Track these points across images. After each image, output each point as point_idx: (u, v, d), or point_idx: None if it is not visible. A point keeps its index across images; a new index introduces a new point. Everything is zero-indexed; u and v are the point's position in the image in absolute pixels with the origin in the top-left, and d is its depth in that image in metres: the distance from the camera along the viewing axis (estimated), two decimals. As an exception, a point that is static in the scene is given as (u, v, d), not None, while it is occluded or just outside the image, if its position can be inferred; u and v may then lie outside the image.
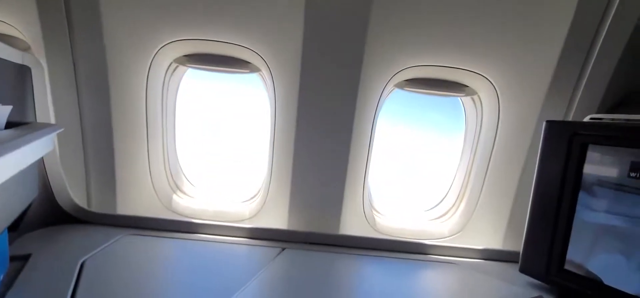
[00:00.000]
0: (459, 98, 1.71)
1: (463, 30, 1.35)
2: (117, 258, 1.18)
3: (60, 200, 1.34)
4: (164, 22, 1.35)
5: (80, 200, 1.44)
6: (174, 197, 1.73)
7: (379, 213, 1.75)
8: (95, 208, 1.52)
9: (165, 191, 1.70)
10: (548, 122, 1.23)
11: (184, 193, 1.79)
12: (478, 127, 1.65)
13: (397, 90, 1.63)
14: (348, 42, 1.31)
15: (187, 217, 1.69)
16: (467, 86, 1.59)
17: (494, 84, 1.50)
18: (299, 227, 1.56)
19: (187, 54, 1.50)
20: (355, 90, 1.39)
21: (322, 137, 1.46)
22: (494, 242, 1.62)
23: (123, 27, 1.33)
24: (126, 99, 1.45)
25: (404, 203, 1.87)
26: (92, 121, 1.43)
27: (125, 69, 1.41)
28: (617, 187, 1.07)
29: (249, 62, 1.52)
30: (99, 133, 1.45)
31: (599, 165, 1.11)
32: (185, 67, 1.58)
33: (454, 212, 1.74)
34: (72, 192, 1.37)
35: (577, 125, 1.16)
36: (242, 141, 2.12)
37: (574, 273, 1.13)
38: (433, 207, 1.83)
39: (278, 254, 1.33)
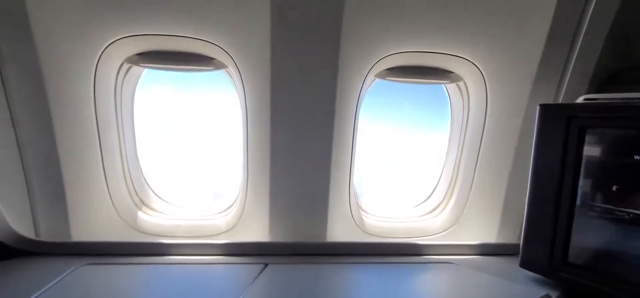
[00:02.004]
0: (443, 86, 1.62)
1: (446, 12, 1.25)
2: (72, 294, 1.02)
3: None
4: (109, 15, 1.17)
5: (25, 230, 1.25)
6: (139, 214, 1.54)
7: (366, 213, 1.65)
8: (44, 237, 1.32)
9: (128, 208, 1.52)
10: (542, 105, 1.16)
11: (151, 208, 1.61)
12: (465, 115, 1.57)
13: (378, 80, 1.52)
14: (322, 29, 1.18)
15: (156, 235, 1.52)
16: (452, 72, 1.50)
17: (481, 69, 1.42)
18: (282, 237, 1.42)
19: (140, 52, 1.32)
20: (333, 83, 1.27)
21: (301, 136, 1.33)
22: (489, 234, 1.55)
23: (56, 22, 1.14)
24: (70, 108, 1.25)
25: (391, 201, 1.78)
26: (30, 137, 1.23)
27: (66, 73, 1.21)
28: (620, 170, 1.00)
29: (213, 58, 1.36)
30: (41, 149, 1.25)
31: (599, 148, 1.04)
32: (140, 68, 1.39)
33: (445, 206, 1.66)
34: (13, 220, 1.19)
35: (574, 108, 1.09)
36: (216, 146, 1.94)
37: (580, 266, 1.06)
38: (422, 203, 1.74)
39: (261, 271, 1.19)
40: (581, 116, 1.06)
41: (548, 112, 1.14)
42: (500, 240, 1.51)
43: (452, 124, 1.66)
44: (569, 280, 1.09)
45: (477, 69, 1.42)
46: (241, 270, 1.22)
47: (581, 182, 1.06)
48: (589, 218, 1.06)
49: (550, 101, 1.37)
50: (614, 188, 1.02)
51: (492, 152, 1.49)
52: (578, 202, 1.07)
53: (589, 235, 1.06)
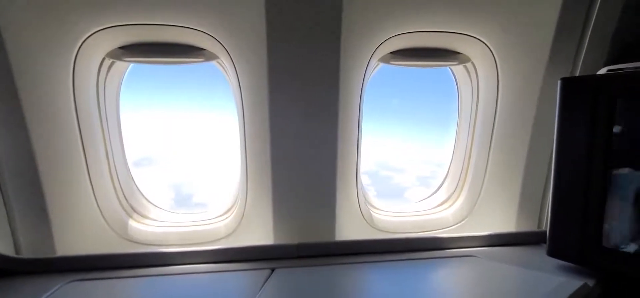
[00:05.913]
0: (449, 68, 1.54)
1: None
2: None
3: None
4: (85, 2, 1.06)
5: (3, 246, 1.14)
6: (130, 222, 1.43)
7: (375, 208, 1.55)
8: (25, 253, 1.21)
9: (118, 217, 1.40)
10: (564, 79, 1.08)
11: (143, 216, 1.49)
12: (474, 99, 1.49)
13: (382, 65, 1.43)
14: (322, 10, 1.09)
15: (149, 245, 1.41)
16: (460, 53, 1.42)
17: (491, 47, 1.34)
18: (288, 238, 1.32)
19: (123, 45, 1.21)
20: (336, 68, 1.18)
21: (304, 128, 1.24)
22: (506, 223, 1.46)
23: (25, 10, 1.02)
24: (47, 109, 1.14)
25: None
26: (3, 143, 1.11)
27: (40, 71, 1.10)
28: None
29: (203, 49, 1.27)
30: (17, 157, 1.13)
31: (631, 120, 0.96)
32: (123, 63, 1.28)
33: (457, 197, 1.58)
34: None
35: (600, 79, 1.02)
36: (209, 143, 1.82)
37: (615, 251, 0.98)
38: (431, 195, 1.65)
39: (268, 278, 1.09)
40: (609, 87, 0.98)
41: (571, 86, 1.06)
42: (519, 229, 1.43)
43: (460, 108, 1.57)
44: (603, 266, 1.00)
45: (486, 47, 1.35)
46: (246, 277, 1.12)
47: (613, 158, 0.98)
48: (623, 199, 0.98)
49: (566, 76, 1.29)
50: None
51: (506, 135, 1.41)
52: (611, 180, 0.98)
53: (624, 217, 0.98)
